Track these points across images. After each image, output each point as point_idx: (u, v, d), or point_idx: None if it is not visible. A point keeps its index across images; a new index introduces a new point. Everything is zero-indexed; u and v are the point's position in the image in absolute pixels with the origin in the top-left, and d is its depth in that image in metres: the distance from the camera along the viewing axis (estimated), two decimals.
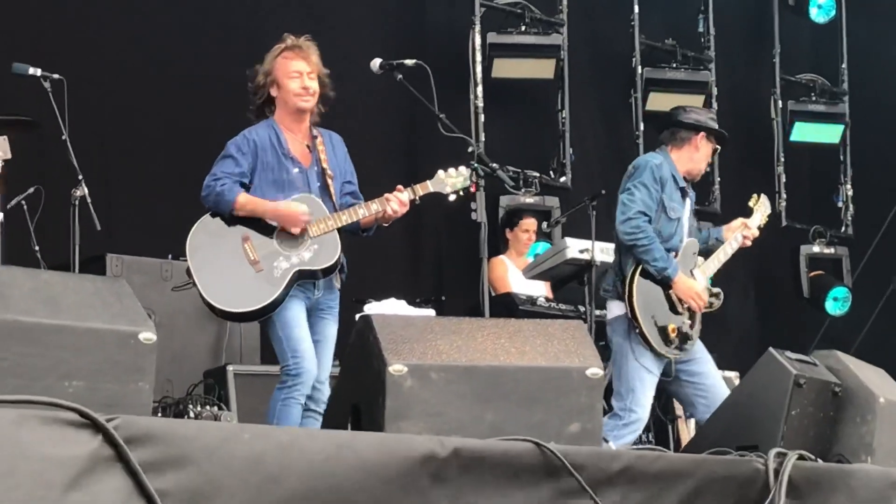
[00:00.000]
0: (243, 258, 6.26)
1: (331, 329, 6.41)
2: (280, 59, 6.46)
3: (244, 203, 6.30)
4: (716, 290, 7.22)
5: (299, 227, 6.30)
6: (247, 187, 6.35)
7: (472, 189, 6.52)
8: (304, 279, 6.31)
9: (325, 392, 6.27)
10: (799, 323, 12.22)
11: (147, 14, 9.71)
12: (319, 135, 6.53)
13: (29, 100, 7.44)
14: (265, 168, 6.37)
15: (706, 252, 7.32)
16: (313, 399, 6.23)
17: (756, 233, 7.43)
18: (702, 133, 7.16)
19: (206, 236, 6.30)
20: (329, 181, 6.44)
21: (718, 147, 7.29)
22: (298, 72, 6.42)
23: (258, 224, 6.32)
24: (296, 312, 6.26)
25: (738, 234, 7.36)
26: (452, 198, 6.62)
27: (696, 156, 7.19)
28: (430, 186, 6.54)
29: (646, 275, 6.96)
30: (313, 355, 6.23)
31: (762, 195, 7.63)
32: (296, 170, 6.42)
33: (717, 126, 7.26)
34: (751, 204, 7.54)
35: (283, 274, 6.25)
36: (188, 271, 6.29)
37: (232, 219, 6.32)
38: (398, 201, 6.40)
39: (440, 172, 6.58)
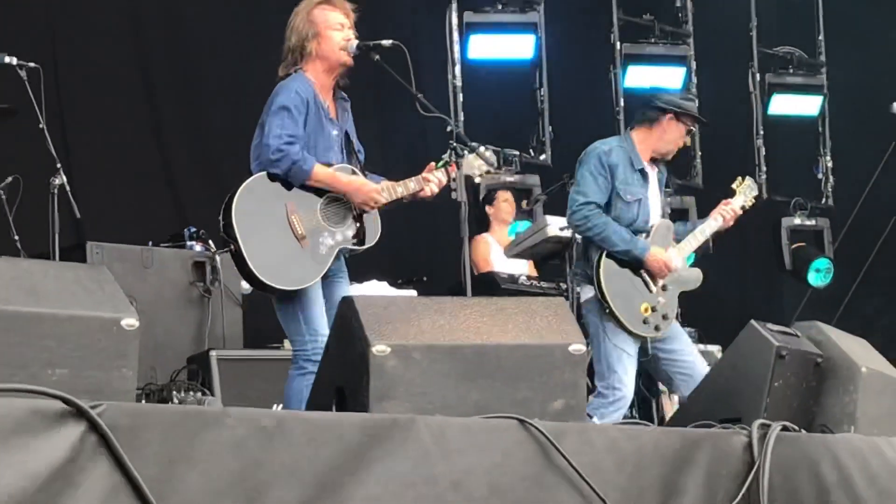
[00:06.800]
0: (290, 231, 5.95)
1: (345, 291, 6.08)
2: (317, 10, 6.12)
3: (318, 173, 5.97)
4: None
5: (372, 207, 6.05)
6: None
7: (452, 168, 6.46)
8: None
9: None
10: (780, 295, 12.25)
11: (126, 1, 9.69)
12: (344, 97, 6.24)
13: (5, 88, 7.42)
14: (310, 131, 6.03)
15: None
16: None
17: (739, 212, 7.33)
18: (670, 114, 7.09)
19: (255, 202, 5.93)
20: (353, 148, 6.20)
21: (692, 128, 7.21)
22: (341, 24, 6.13)
23: (302, 193, 6.01)
24: (317, 291, 6.00)
25: (719, 214, 7.29)
26: (478, 180, 6.44)
27: (665, 136, 7.11)
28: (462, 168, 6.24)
29: (613, 256, 6.94)
30: None
31: (748, 178, 7.56)
32: (335, 132, 6.12)
33: (691, 108, 7.15)
34: (734, 186, 7.47)
35: (329, 252, 6.01)
36: (228, 234, 5.91)
37: (276, 183, 5.96)
38: (438, 182, 6.20)
39: (468, 156, 6.30)
